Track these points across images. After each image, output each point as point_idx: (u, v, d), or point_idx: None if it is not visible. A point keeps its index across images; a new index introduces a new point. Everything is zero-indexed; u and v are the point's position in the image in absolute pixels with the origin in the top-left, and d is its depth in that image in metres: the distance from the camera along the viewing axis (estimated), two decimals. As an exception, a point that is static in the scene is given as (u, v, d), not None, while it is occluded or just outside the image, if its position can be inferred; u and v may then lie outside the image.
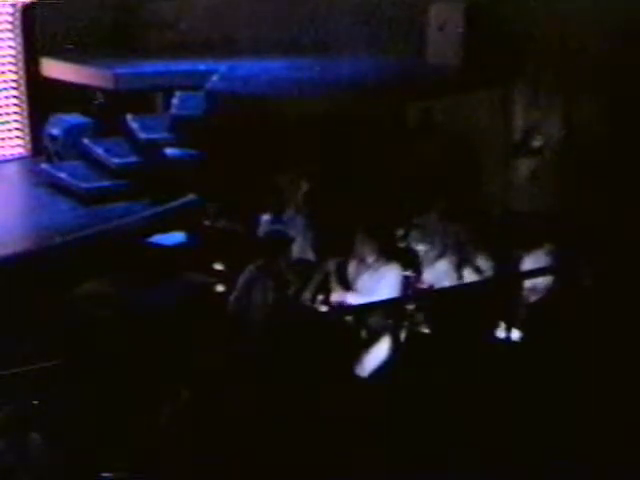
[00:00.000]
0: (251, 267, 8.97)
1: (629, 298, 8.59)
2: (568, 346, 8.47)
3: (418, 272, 9.43)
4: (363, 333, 8.64)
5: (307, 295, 9.11)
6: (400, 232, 9.94)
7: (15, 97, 13.43)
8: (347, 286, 9.13)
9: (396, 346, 8.46)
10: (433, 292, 9.20)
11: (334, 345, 8.27)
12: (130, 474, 7.37)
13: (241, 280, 8.99)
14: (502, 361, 8.37)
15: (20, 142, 13.51)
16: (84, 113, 13.00)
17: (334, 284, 9.19)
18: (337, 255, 9.42)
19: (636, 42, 10.48)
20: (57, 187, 12.04)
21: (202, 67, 12.56)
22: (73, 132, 12.63)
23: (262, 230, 10.15)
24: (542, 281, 9.11)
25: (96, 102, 13.07)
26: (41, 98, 13.36)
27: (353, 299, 8.98)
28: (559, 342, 8.52)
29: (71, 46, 13.49)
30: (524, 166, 11.53)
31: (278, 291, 8.87)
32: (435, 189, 10.51)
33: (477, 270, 9.43)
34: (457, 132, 11.38)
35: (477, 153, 11.43)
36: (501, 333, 8.65)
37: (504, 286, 9.44)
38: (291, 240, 9.43)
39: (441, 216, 10.00)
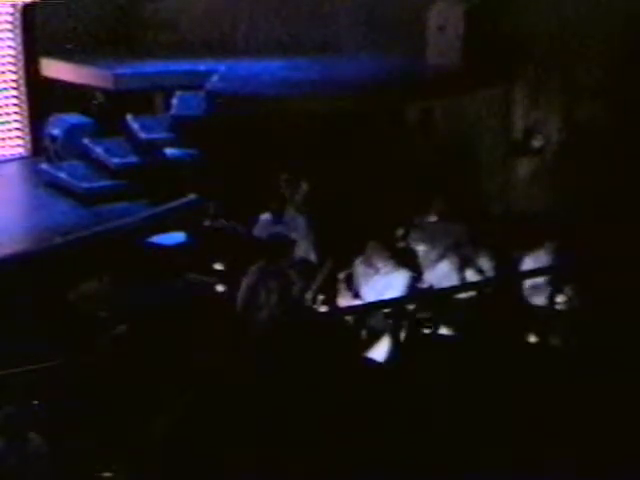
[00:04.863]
0: (254, 269, 8.95)
1: (628, 297, 8.60)
2: (567, 346, 8.48)
3: (419, 272, 9.43)
4: (363, 333, 8.64)
5: (309, 295, 9.11)
6: (400, 232, 9.94)
7: (15, 97, 13.44)
8: (349, 286, 9.12)
9: (396, 346, 8.46)
10: (433, 292, 9.21)
11: (336, 345, 8.27)
12: (129, 474, 7.38)
13: (244, 281, 8.97)
14: (503, 361, 8.37)
15: (20, 142, 13.51)
16: (84, 113, 13.01)
17: (335, 284, 9.18)
18: (338, 255, 9.41)
19: (636, 42, 10.50)
20: (57, 187, 12.05)
21: (202, 67, 12.56)
22: (73, 132, 12.62)
23: (263, 232, 10.14)
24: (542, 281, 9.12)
25: (96, 102, 13.07)
26: (41, 98, 13.36)
27: (354, 299, 8.97)
28: (558, 341, 8.52)
29: (71, 46, 13.50)
30: (524, 166, 11.53)
31: (281, 292, 8.86)
32: (435, 189, 10.50)
33: (477, 270, 9.43)
34: (457, 132, 11.38)
35: (477, 153, 11.42)
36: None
37: (504, 286, 9.45)
38: (292, 243, 9.42)
39: (441, 216, 10.00)
